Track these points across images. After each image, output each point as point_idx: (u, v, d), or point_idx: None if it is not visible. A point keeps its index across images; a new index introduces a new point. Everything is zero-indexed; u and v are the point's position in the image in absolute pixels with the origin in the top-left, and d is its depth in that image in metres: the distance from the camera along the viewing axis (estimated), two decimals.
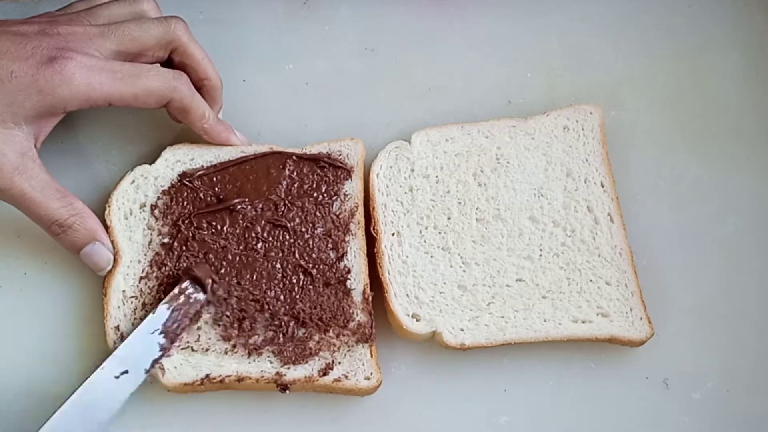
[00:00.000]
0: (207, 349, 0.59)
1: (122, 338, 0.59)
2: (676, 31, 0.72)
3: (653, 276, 0.64)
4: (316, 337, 0.59)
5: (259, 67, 0.69)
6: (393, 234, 0.62)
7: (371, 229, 0.62)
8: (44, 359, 0.60)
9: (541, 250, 0.62)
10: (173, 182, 0.63)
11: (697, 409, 0.61)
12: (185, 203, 0.62)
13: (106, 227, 0.61)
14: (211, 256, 0.61)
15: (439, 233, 0.62)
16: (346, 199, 0.63)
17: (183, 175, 0.63)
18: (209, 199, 0.62)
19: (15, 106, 0.56)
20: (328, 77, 0.69)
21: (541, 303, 0.61)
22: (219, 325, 0.59)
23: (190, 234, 0.61)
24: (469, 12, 0.72)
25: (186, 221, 0.62)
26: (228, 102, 0.65)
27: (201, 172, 0.63)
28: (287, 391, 0.58)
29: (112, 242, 0.61)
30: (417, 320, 0.60)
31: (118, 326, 0.59)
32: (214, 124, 0.63)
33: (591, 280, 0.62)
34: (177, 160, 0.64)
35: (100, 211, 0.62)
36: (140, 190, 0.63)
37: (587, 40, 0.71)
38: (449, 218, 0.63)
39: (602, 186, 0.64)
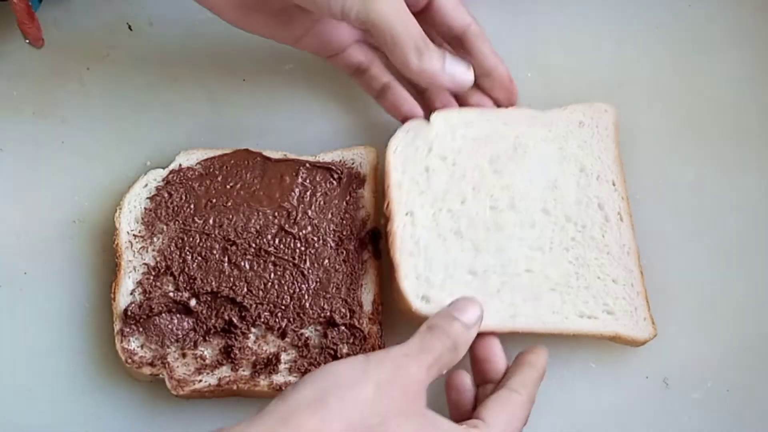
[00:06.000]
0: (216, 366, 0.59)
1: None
2: (676, 31, 0.72)
3: (653, 276, 0.64)
4: (325, 347, 0.59)
5: (259, 67, 0.69)
6: (406, 214, 0.61)
7: (384, 208, 0.61)
8: (45, 359, 0.60)
9: (551, 242, 0.62)
10: (186, 186, 0.63)
11: (697, 409, 0.61)
12: (197, 207, 0.62)
13: (115, 230, 0.61)
14: (220, 262, 0.61)
15: (453, 217, 0.61)
16: (358, 208, 0.63)
17: (195, 180, 0.63)
18: (222, 204, 0.62)
19: None
20: (328, 77, 0.69)
21: (550, 295, 0.60)
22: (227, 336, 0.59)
23: (201, 239, 0.61)
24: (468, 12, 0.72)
25: (196, 226, 0.62)
26: (228, 102, 0.65)
27: (214, 177, 0.63)
28: None
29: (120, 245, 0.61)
30: (427, 302, 0.59)
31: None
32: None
33: (599, 277, 0.61)
34: (190, 165, 0.63)
35: (102, 212, 0.62)
36: (153, 193, 0.62)
37: (587, 40, 0.71)
38: (463, 202, 0.62)
39: (613, 184, 0.64)
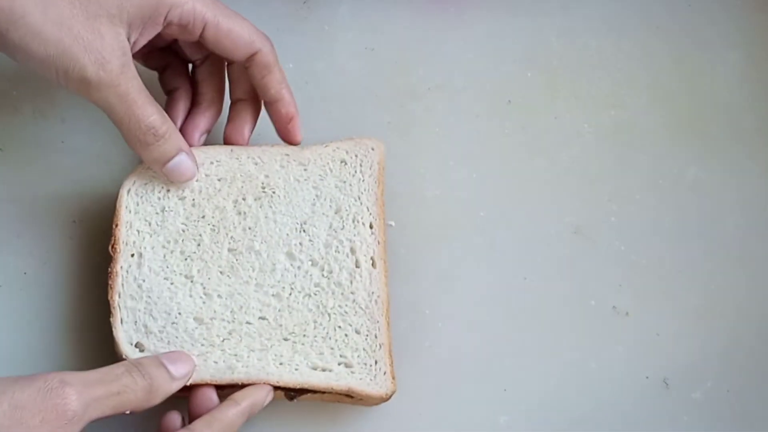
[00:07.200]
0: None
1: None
2: (676, 31, 0.72)
3: (653, 276, 0.64)
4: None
5: None
6: (132, 255, 0.58)
7: (110, 247, 0.58)
8: (45, 359, 0.60)
9: (292, 288, 0.58)
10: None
11: (697, 409, 0.61)
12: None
13: (116, 228, 0.61)
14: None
15: (185, 259, 0.58)
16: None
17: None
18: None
19: (124, 1, 0.54)
20: (328, 77, 0.69)
21: (281, 345, 0.56)
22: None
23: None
24: (469, 12, 0.72)
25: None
26: (226, 101, 0.65)
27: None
28: (295, 400, 0.58)
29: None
30: (141, 350, 0.56)
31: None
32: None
33: (339, 326, 0.57)
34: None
35: (102, 211, 0.62)
36: None
37: (587, 40, 0.71)
38: (199, 245, 0.59)
39: (371, 228, 0.60)
